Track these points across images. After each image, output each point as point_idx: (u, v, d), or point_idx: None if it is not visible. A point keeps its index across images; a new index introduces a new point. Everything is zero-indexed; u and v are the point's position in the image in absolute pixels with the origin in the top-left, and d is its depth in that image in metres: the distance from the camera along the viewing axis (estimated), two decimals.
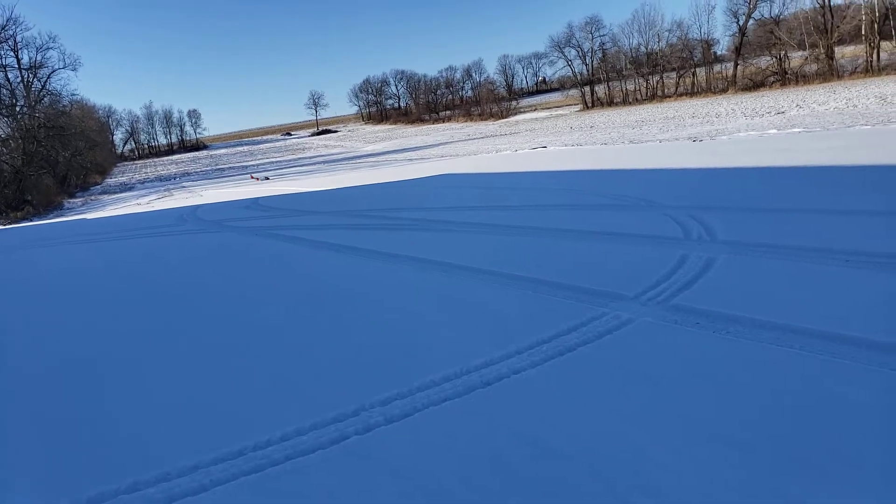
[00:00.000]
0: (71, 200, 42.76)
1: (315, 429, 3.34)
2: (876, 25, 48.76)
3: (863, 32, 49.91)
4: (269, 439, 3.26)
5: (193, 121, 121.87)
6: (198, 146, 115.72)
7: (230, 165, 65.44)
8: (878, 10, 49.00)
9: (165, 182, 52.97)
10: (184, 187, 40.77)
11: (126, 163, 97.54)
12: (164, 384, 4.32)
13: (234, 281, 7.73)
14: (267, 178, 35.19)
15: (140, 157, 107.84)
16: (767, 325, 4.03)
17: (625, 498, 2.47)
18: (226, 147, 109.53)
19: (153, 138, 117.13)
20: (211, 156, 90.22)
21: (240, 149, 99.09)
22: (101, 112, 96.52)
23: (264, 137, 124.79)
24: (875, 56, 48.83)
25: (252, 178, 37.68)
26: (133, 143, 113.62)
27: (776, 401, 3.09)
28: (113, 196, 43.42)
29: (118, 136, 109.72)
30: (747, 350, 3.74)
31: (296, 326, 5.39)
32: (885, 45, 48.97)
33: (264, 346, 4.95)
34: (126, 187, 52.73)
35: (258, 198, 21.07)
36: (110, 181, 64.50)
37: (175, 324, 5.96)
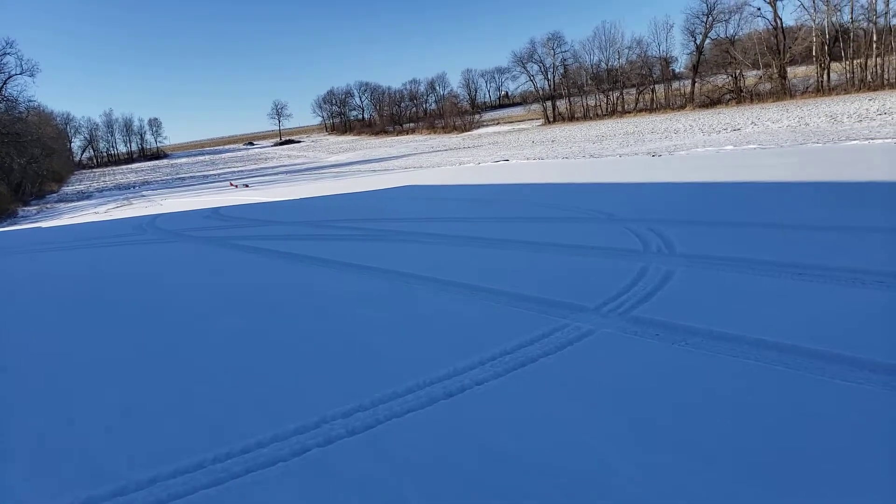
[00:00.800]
0: (25, 209, 41.41)
1: (276, 441, 3.30)
2: (826, 47, 50.80)
3: (814, 53, 51.97)
4: (230, 451, 3.21)
5: (154, 129, 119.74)
6: (158, 155, 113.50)
7: (191, 174, 64.31)
8: (829, 33, 51.08)
9: (124, 191, 51.76)
10: (143, 196, 39.89)
11: (84, 171, 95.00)
12: (116, 395, 4.21)
13: (194, 291, 7.59)
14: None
15: (99, 165, 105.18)
16: (724, 337, 4.15)
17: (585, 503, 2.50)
18: (186, 156, 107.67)
19: (112, 146, 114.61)
20: (171, 165, 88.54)
21: (201, 158, 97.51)
22: (58, 119, 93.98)
23: (226, 147, 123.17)
24: (826, 76, 50.85)
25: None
26: (92, 150, 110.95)
27: (735, 411, 3.17)
28: (70, 204, 42.19)
29: (76, 144, 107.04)
30: (705, 361, 3.83)
31: (255, 337, 5.32)
32: (835, 65, 51.05)
33: (223, 356, 4.87)
34: (84, 196, 51.30)
35: (218, 207, 20.74)
36: (67, 189, 62.66)
37: (129, 334, 5.82)
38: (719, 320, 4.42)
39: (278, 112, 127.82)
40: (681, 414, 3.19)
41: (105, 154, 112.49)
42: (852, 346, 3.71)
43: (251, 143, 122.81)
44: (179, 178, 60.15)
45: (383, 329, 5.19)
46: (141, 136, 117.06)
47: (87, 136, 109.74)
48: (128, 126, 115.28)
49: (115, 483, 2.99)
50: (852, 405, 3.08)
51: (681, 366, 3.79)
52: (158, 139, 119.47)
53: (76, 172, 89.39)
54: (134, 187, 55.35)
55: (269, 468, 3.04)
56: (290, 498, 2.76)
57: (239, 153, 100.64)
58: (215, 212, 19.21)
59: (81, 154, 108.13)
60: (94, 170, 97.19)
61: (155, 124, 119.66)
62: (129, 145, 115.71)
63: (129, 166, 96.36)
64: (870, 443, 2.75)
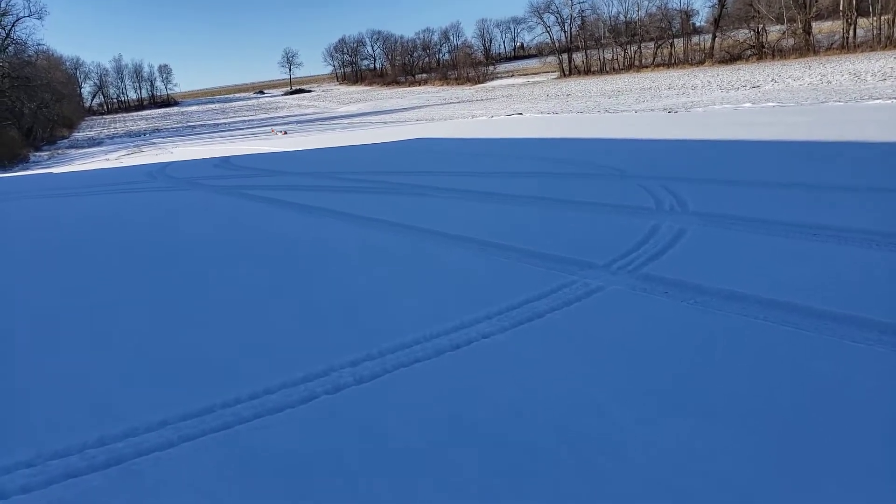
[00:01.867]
0: (37, 154, 41.38)
1: (284, 388, 3.34)
2: (854, 1, 49.02)
3: (841, 8, 50.15)
4: (238, 397, 3.26)
5: (164, 76, 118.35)
6: (168, 102, 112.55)
7: (201, 123, 63.94)
8: None
9: (135, 138, 51.56)
10: (153, 144, 39.77)
11: (94, 117, 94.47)
12: (131, 340, 4.27)
13: (205, 239, 7.62)
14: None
15: (109, 112, 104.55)
16: (734, 296, 4.12)
17: (589, 460, 2.53)
18: (197, 104, 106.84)
19: (123, 93, 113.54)
20: (182, 112, 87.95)
21: (211, 106, 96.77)
22: (68, 64, 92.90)
23: (236, 95, 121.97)
24: (852, 32, 49.16)
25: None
26: (102, 97, 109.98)
27: (743, 370, 3.17)
28: (80, 150, 42.15)
29: (86, 90, 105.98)
30: (714, 320, 3.82)
31: (265, 286, 5.36)
32: (862, 21, 49.32)
33: (233, 304, 4.92)
34: (94, 142, 51.19)
35: (229, 156, 20.67)
36: (78, 135, 62.49)
37: (144, 280, 5.87)
38: (730, 279, 4.38)
39: (289, 60, 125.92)
40: (687, 372, 3.19)
41: (115, 100, 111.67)
42: (864, 308, 3.68)
43: (261, 92, 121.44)
44: (189, 126, 59.83)
45: (392, 281, 5.21)
46: (151, 82, 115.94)
47: (97, 82, 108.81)
48: (138, 72, 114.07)
49: (126, 424, 3.05)
50: (861, 366, 3.07)
51: (689, 324, 3.78)
52: (169, 86, 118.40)
53: (86, 118, 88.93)
54: (144, 135, 55.14)
55: (277, 413, 3.09)
56: (297, 443, 2.81)
57: (249, 102, 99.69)
58: (226, 161, 19.15)
59: (91, 100, 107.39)
60: (104, 116, 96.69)
61: (165, 71, 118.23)
62: (139, 92, 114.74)
63: (139, 113, 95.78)
64: (879, 405, 2.75)
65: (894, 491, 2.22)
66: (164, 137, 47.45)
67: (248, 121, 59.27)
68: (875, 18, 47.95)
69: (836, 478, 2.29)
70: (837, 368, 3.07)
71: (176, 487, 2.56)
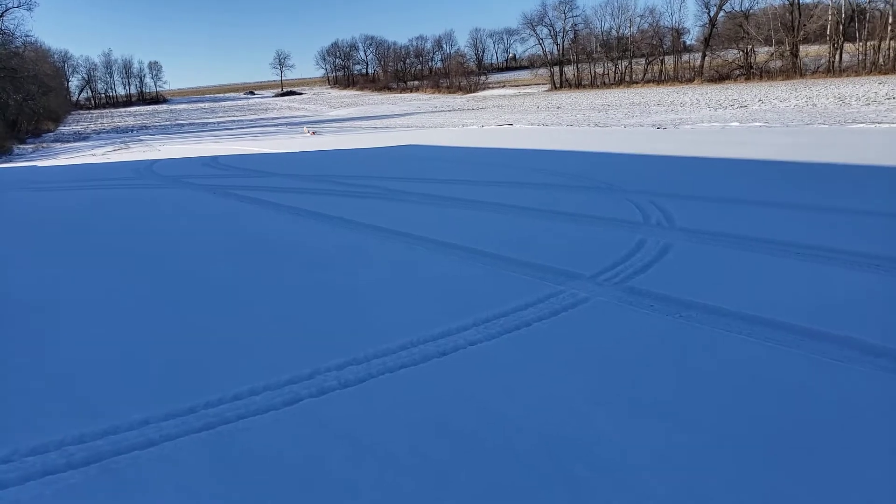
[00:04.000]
0: (21, 146, 40.83)
1: (268, 389, 3.32)
2: (841, 26, 49.96)
3: (828, 33, 51.08)
4: (221, 398, 3.23)
5: (154, 73, 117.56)
6: (157, 99, 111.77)
7: (190, 121, 63.56)
8: (845, 12, 50.17)
9: (122, 134, 51.12)
10: (141, 140, 39.46)
11: (81, 111, 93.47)
12: (114, 338, 4.23)
13: (190, 238, 7.57)
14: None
15: (96, 107, 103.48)
16: (719, 311, 4.16)
17: (568, 469, 2.54)
18: (186, 102, 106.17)
19: (111, 88, 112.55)
20: (171, 110, 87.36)
21: (201, 105, 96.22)
22: (56, 57, 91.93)
23: (226, 95, 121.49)
24: (838, 57, 50.08)
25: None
26: (89, 91, 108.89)
27: (725, 385, 3.20)
28: (66, 145, 41.68)
29: (74, 84, 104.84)
30: (698, 334, 3.86)
31: (253, 288, 5.33)
32: (848, 46, 50.25)
33: (220, 305, 4.89)
34: (80, 137, 50.67)
35: (217, 156, 20.56)
36: (64, 129, 61.82)
37: (126, 277, 5.82)
38: (715, 295, 4.43)
39: (281, 62, 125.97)
40: (671, 385, 3.22)
41: (103, 95, 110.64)
42: (847, 327, 3.73)
43: (252, 93, 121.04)
44: (178, 125, 59.44)
45: (379, 286, 5.20)
46: (140, 79, 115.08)
47: (85, 76, 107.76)
48: (127, 68, 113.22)
49: (108, 422, 3.01)
50: (844, 384, 3.11)
51: (674, 338, 3.82)
52: (158, 83, 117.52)
53: (73, 112, 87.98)
54: (132, 131, 54.69)
55: (261, 416, 3.07)
56: (280, 445, 2.80)
57: (239, 102, 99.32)
58: (214, 160, 19.05)
59: (79, 94, 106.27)
60: (91, 111, 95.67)
61: (155, 68, 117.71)
62: (127, 88, 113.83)
63: (128, 109, 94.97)
64: (857, 419, 2.79)
65: (863, 493, 2.25)
66: (151, 135, 47.09)
67: (238, 121, 59.01)
68: (861, 44, 48.93)
69: (811, 486, 2.32)
70: (817, 384, 3.11)
71: (156, 486, 2.54)
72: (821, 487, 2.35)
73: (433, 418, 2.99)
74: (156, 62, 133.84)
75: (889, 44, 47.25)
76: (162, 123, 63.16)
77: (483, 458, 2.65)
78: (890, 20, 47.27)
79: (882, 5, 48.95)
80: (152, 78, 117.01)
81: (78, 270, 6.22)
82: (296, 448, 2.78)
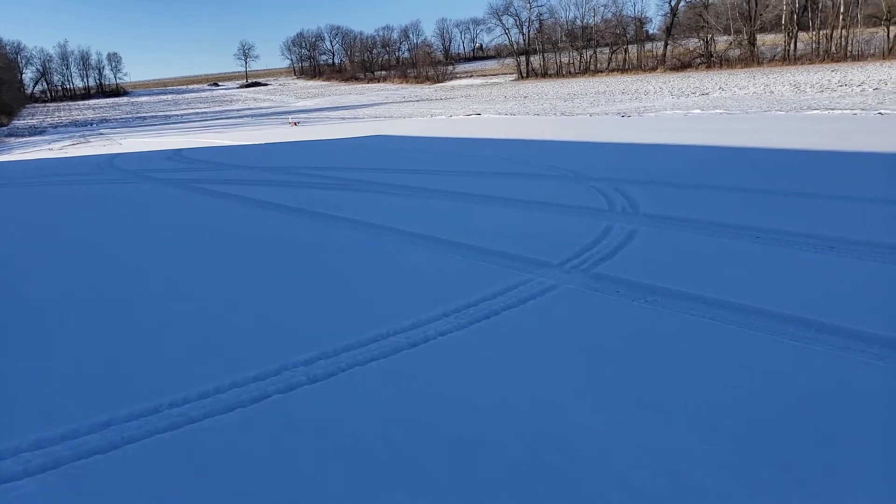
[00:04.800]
0: None
1: (235, 387, 3.26)
2: (795, 16, 51.09)
3: (783, 22, 52.21)
4: (187, 396, 3.17)
5: (113, 65, 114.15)
6: (118, 92, 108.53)
7: (153, 114, 62.03)
8: (798, 1, 51.29)
9: (81, 128, 49.61)
10: (101, 134, 38.35)
11: (37, 105, 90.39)
12: (76, 339, 4.11)
13: (155, 234, 7.39)
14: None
15: (53, 100, 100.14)
16: (683, 296, 4.23)
17: (541, 455, 2.55)
18: (148, 94, 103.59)
19: (68, 80, 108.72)
20: (132, 103, 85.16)
21: (163, 97, 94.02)
22: (8, 48, 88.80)
23: (190, 87, 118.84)
24: (792, 45, 51.26)
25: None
26: (45, 83, 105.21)
27: (691, 368, 3.25)
28: (21, 139, 40.26)
29: (28, 76, 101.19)
30: (664, 319, 3.91)
31: (217, 282, 5.23)
32: (802, 35, 51.44)
33: (183, 300, 4.78)
34: (36, 130, 49.02)
35: (181, 149, 20.12)
36: (18, 123, 59.71)
37: (86, 276, 5.66)
38: (679, 280, 4.49)
39: (245, 53, 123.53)
40: (640, 370, 3.25)
41: (60, 88, 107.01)
42: (804, 308, 3.82)
43: (216, 84, 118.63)
44: (140, 117, 57.97)
45: (347, 279, 5.15)
46: (99, 70, 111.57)
47: (40, 68, 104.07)
48: (84, 60, 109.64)
49: (66, 426, 2.92)
50: (803, 364, 3.18)
51: (640, 323, 3.86)
52: (118, 75, 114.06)
53: (28, 106, 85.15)
54: (91, 124, 53.13)
55: (228, 414, 3.01)
56: (248, 444, 2.75)
57: (203, 94, 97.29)
58: (177, 153, 18.64)
59: (33, 87, 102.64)
60: (47, 104, 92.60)
61: (114, 59, 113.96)
62: (86, 80, 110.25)
63: (87, 102, 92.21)
64: (823, 400, 2.86)
65: (836, 484, 2.30)
66: (112, 128, 45.82)
67: (202, 113, 57.80)
68: (814, 33, 50.18)
69: (783, 470, 2.37)
70: (782, 366, 3.18)
71: (118, 492, 2.47)
72: (800, 472, 2.40)
73: (405, 412, 2.97)
74: (115, 53, 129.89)
75: (841, 32, 48.53)
76: (123, 116, 61.52)
77: (458, 452, 2.64)
78: (841, 9, 48.51)
79: None
80: (112, 70, 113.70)
81: (31, 269, 6.03)
82: (264, 446, 2.73)
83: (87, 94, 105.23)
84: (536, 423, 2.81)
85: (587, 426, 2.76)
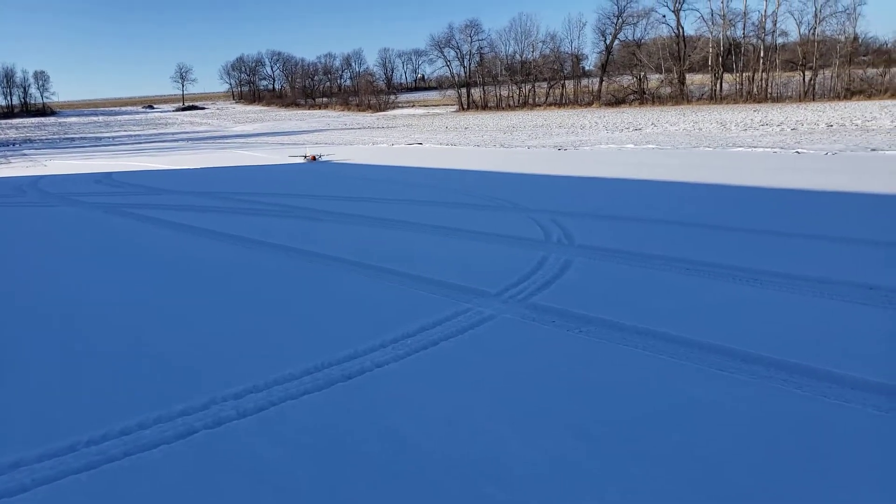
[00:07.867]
0: None
1: (160, 422, 3.12)
2: (720, 58, 54.23)
3: (709, 63, 55.29)
4: (106, 433, 3.00)
5: (40, 83, 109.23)
6: (44, 111, 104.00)
7: (82, 135, 59.67)
8: (723, 45, 54.50)
9: (2, 148, 47.22)
10: (24, 155, 36.56)
11: None
12: None
13: (77, 261, 7.06)
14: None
15: None
16: (616, 326, 4.33)
17: (479, 488, 2.54)
18: (78, 115, 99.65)
19: None
20: (60, 123, 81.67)
21: (94, 118, 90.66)
22: None
23: (123, 109, 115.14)
24: (718, 86, 54.29)
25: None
26: None
27: (625, 397, 3.32)
28: None
29: None
30: (597, 348, 3.99)
31: (143, 311, 5.02)
32: (727, 76, 54.60)
33: (105, 330, 4.56)
34: None
35: (111, 172, 19.40)
36: None
37: (4, 304, 5.33)
38: (612, 310, 4.61)
39: (182, 76, 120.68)
40: (575, 399, 3.30)
41: None
42: (729, 338, 3.98)
43: (150, 107, 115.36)
44: (68, 139, 55.62)
45: (282, 307, 5.05)
46: (24, 89, 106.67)
47: None
48: (8, 77, 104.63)
49: None
50: (727, 392, 3.30)
51: (575, 352, 3.93)
52: (45, 94, 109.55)
53: None
54: (13, 144, 50.62)
55: (151, 451, 2.87)
56: (172, 483, 2.63)
57: (137, 116, 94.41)
58: (107, 176, 17.95)
59: None
60: None
61: (41, 77, 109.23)
62: (9, 98, 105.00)
63: (9, 121, 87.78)
64: (730, 424, 2.96)
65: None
66: (37, 149, 43.76)
67: (136, 136, 56.03)
68: (738, 75, 53.35)
69: (706, 490, 2.43)
70: (707, 394, 3.29)
71: None
72: (706, 485, 2.47)
73: (338, 445, 2.91)
74: (42, 72, 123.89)
75: (761, 75, 51.79)
76: (49, 137, 58.88)
77: (391, 483, 2.60)
78: (762, 54, 51.88)
79: (755, 40, 53.70)
80: (38, 88, 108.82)
81: None
82: (189, 485, 2.61)
83: (10, 113, 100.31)
84: (471, 453, 2.80)
85: (520, 454, 2.77)
